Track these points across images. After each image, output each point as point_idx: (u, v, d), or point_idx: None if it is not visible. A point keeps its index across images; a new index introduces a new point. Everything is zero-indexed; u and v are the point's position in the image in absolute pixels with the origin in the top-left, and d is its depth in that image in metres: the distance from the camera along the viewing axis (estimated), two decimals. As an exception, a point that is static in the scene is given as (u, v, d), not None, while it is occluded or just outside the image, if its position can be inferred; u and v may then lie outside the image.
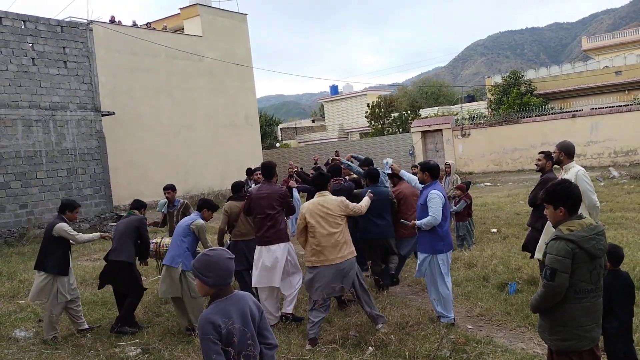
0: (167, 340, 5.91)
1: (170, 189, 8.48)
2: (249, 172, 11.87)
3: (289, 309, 6.23)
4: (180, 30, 26.97)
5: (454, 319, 5.72)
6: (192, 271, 2.81)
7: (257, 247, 6.28)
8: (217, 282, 2.72)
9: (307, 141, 44.09)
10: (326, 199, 5.51)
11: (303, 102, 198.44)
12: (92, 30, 17.74)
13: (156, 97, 23.71)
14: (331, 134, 45.87)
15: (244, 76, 27.85)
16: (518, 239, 9.55)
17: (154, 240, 7.13)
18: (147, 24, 26.58)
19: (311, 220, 5.39)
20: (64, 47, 16.73)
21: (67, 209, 6.37)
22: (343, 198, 5.67)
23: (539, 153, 6.71)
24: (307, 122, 58.01)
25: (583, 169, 5.50)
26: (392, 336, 5.12)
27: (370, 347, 4.75)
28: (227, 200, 7.40)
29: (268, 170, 6.44)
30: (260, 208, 6.16)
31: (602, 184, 16.89)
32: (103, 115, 17.94)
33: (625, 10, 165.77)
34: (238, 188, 7.40)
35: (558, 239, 3.21)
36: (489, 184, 21.73)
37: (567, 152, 5.60)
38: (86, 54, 17.29)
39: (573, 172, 5.42)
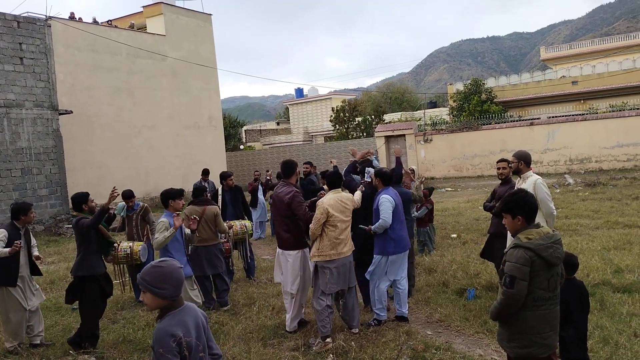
0: (122, 347, 5.75)
1: (132, 197, 8.14)
2: (205, 172, 11.72)
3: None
4: (142, 28, 26.49)
5: (384, 320, 5.93)
6: (140, 285, 2.65)
7: (280, 250, 6.10)
8: (173, 294, 2.64)
9: (271, 144, 43.92)
10: (342, 195, 5.74)
11: (268, 104, 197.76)
12: (50, 26, 17.24)
13: (117, 96, 23.20)
14: (296, 137, 45.82)
15: (208, 77, 27.54)
16: (477, 244, 9.72)
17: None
18: (108, 22, 26.00)
19: (335, 213, 5.51)
20: (20, 43, 16.20)
21: (21, 213, 5.92)
22: (351, 195, 5.97)
23: (501, 161, 6.78)
24: (272, 125, 57.80)
25: (541, 177, 5.63)
26: (352, 343, 5.12)
27: (330, 355, 4.73)
28: (188, 205, 7.28)
29: (287, 168, 6.08)
30: (278, 210, 6.01)
31: (558, 191, 17.38)
32: (60, 114, 17.44)
33: (582, 22, 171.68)
34: (199, 192, 7.27)
35: (517, 247, 3.27)
36: (449, 189, 22.09)
37: (525, 160, 5.74)
38: (44, 50, 16.78)
39: (531, 180, 5.54)
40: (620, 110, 25.13)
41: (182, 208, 6.31)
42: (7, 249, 5.64)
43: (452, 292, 6.96)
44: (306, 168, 10.71)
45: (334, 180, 5.86)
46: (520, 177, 5.78)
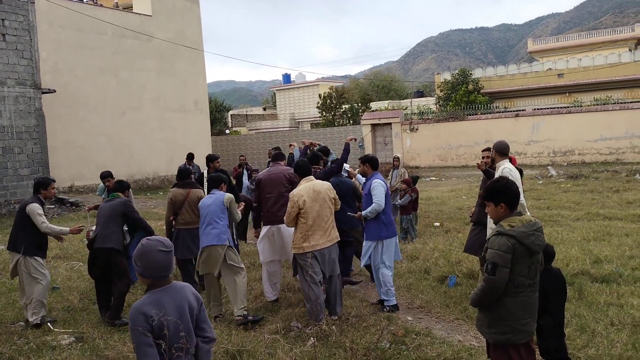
0: (103, 328, 5.73)
1: (109, 176, 8.11)
2: (190, 156, 11.63)
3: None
4: (129, 8, 26.06)
5: (397, 304, 5.97)
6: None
7: (266, 226, 6.36)
8: (144, 273, 2.64)
9: (257, 129, 43.70)
10: (315, 183, 5.61)
11: (255, 89, 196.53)
12: (34, 2, 16.85)
13: (101, 76, 22.87)
14: (282, 123, 45.64)
15: (195, 59, 27.22)
16: (459, 232, 9.82)
17: (94, 227, 6.84)
18: (93, 0, 25.52)
19: (308, 202, 5.41)
20: (2, 19, 15.84)
21: (41, 187, 6.05)
22: (329, 184, 5.83)
23: (485, 150, 6.91)
24: (258, 110, 57.54)
25: (510, 166, 5.76)
26: (333, 327, 5.15)
27: (311, 338, 4.75)
28: (172, 187, 7.22)
29: (278, 155, 6.79)
30: (271, 187, 6.29)
31: (541, 182, 17.57)
32: (43, 93, 17.13)
33: (569, 15, 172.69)
34: (184, 174, 7.19)
35: (500, 235, 3.31)
36: (434, 178, 22.22)
37: (498, 150, 5.89)
38: (27, 27, 16.43)
39: (501, 169, 5.71)
40: (604, 104, 25.40)
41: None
42: (68, 229, 6.12)
43: (434, 279, 7.03)
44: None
45: (304, 169, 5.75)
46: (496, 166, 5.94)
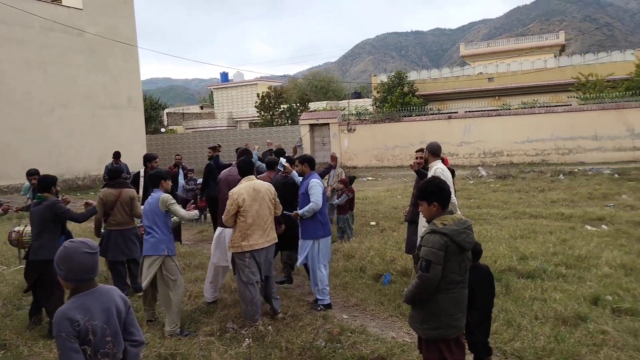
0: (27, 335, 5.45)
1: (36, 174, 7.70)
2: (116, 155, 11.34)
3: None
4: (58, 0, 24.91)
5: (330, 303, 6.05)
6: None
7: (220, 228, 6.28)
8: (68, 277, 2.54)
9: (194, 128, 42.94)
10: (256, 183, 5.56)
11: (192, 87, 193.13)
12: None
13: (27, 71, 21.76)
14: (220, 122, 45.06)
15: (128, 55, 26.37)
16: (394, 231, 10.03)
17: (16, 229, 6.46)
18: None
19: (248, 202, 5.35)
20: None
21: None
22: (269, 184, 5.81)
23: (418, 151, 7.12)
24: (195, 108, 56.52)
25: (443, 166, 6.01)
26: (269, 327, 5.14)
27: (247, 339, 4.72)
28: (103, 187, 6.96)
29: (244, 151, 6.84)
30: (227, 189, 5.95)
31: (472, 182, 18.22)
32: (-38, 87, 16.12)
33: (500, 21, 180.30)
34: (116, 174, 6.95)
35: (433, 233, 3.41)
36: (371, 178, 22.58)
37: (431, 151, 6.14)
38: (-58, 16, 15.40)
39: (434, 169, 5.95)
40: (531, 108, 26.72)
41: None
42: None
43: (369, 277, 7.14)
44: (210, 152, 10.89)
45: (246, 167, 5.70)
46: (429, 167, 6.17)
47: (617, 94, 24.88)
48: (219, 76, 57.63)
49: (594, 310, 5.50)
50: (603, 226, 9.77)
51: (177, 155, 13.24)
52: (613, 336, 4.79)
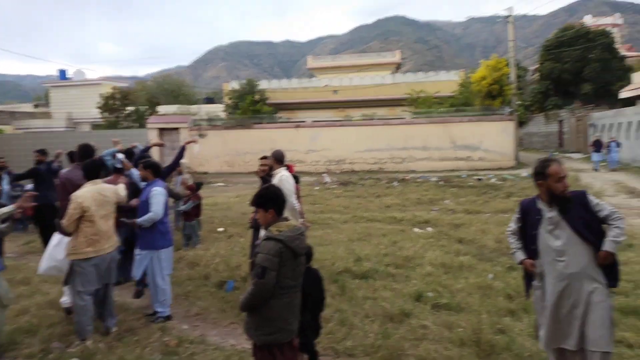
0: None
1: None
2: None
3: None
4: None
5: (170, 315, 5.89)
6: None
7: (59, 236, 5.62)
8: None
9: (27, 128, 38.98)
10: (102, 187, 5.29)
11: (26, 84, 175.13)
12: None
13: None
14: (57, 123, 41.47)
15: (-58, 45, 23.19)
16: (242, 237, 10.06)
17: None
18: None
19: (93, 207, 5.04)
20: None
21: None
22: (115, 187, 5.58)
23: (262, 158, 7.24)
24: (28, 107, 51.39)
25: (287, 173, 6.24)
26: (100, 344, 4.87)
27: (74, 359, 4.43)
28: None
29: (84, 152, 6.21)
30: (69, 194, 5.34)
31: (317, 188, 18.97)
32: None
33: (345, 38, 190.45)
34: None
35: (269, 239, 3.50)
36: (221, 184, 22.44)
37: (276, 158, 6.37)
38: None
39: (278, 176, 6.15)
40: (370, 119, 28.59)
41: None
42: None
43: (213, 284, 7.07)
44: (37, 157, 10.21)
45: (92, 170, 5.37)
46: (273, 174, 6.34)
47: (443, 109, 27.72)
48: (57, 73, 53.14)
49: (417, 306, 5.90)
50: (428, 228, 10.70)
51: (1, 157, 11.81)
52: (432, 330, 5.17)
